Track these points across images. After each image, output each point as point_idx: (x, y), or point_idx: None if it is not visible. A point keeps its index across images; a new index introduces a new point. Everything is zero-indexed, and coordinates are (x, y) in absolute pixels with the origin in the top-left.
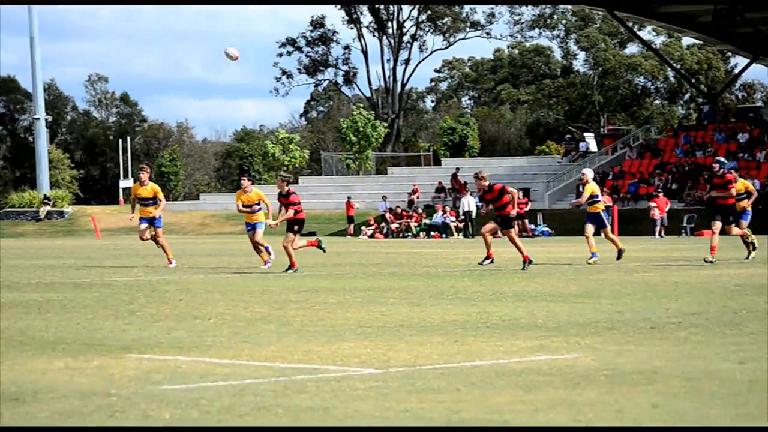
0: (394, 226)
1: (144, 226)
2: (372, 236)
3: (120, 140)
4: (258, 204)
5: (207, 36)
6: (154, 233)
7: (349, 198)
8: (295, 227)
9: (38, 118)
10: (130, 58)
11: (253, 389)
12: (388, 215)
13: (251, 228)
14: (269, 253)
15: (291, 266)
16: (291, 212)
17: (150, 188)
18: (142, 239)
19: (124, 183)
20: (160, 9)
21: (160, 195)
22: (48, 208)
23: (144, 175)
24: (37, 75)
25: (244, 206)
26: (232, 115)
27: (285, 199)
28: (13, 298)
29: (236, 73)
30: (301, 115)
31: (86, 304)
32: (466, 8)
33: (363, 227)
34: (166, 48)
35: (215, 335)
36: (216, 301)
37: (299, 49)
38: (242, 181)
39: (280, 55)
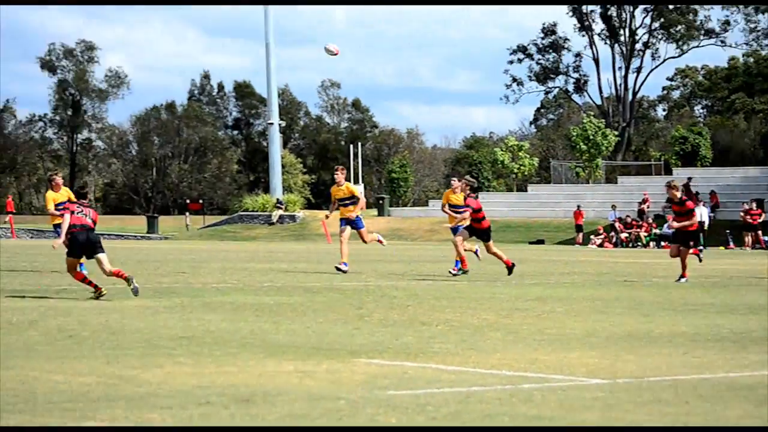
0: (623, 235)
1: (344, 226)
2: (601, 245)
3: (351, 146)
4: (465, 207)
5: (438, 42)
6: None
7: (578, 206)
8: (484, 236)
9: (272, 123)
10: (362, 64)
11: (479, 396)
12: (617, 224)
13: (455, 231)
14: (461, 265)
15: (461, 266)
16: (466, 214)
17: (345, 188)
18: (341, 239)
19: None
20: (392, 14)
21: (356, 193)
22: (280, 212)
23: (339, 176)
24: (271, 80)
25: (450, 206)
26: (462, 122)
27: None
28: (246, 301)
29: (467, 81)
30: (530, 123)
31: (316, 308)
32: (701, 15)
33: (592, 236)
34: (397, 54)
35: (442, 342)
36: (443, 308)
37: (530, 56)
38: (452, 181)
39: (511, 62)
